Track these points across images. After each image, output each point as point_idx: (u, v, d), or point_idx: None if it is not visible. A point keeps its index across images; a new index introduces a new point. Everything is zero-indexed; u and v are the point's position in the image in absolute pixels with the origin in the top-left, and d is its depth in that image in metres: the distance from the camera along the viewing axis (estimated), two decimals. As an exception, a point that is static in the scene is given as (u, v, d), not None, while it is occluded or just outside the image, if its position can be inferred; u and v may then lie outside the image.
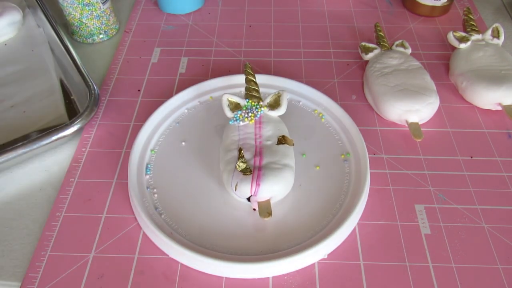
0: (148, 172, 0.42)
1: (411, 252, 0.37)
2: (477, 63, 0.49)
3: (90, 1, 0.53)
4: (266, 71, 0.53)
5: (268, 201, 0.38)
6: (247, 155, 0.39)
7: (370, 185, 0.41)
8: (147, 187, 0.41)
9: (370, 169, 0.42)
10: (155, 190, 0.41)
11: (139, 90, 0.51)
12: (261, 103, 0.43)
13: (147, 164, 0.43)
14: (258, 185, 0.37)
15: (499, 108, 0.47)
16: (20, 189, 0.42)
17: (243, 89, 0.50)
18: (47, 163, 0.44)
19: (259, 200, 0.38)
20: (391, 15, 0.62)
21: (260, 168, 0.38)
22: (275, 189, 0.38)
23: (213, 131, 0.46)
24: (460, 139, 0.46)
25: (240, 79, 0.50)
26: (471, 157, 0.44)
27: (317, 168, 0.43)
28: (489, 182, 0.42)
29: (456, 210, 0.40)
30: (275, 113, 0.43)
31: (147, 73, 0.53)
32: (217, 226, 0.38)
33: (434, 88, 0.47)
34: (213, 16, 0.62)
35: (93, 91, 0.45)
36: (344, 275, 0.36)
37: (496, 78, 0.47)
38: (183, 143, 0.45)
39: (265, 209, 0.37)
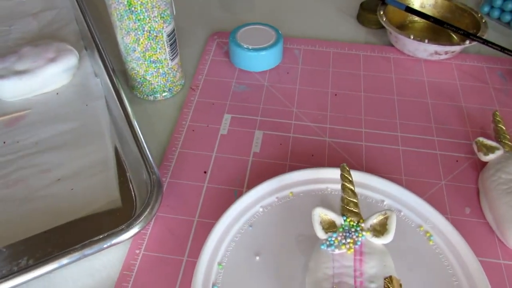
0: None
1: None
2: None
3: (158, 58, 0.46)
4: (356, 160, 0.44)
5: None
6: None
7: None
8: None
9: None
10: None
11: (205, 172, 0.43)
12: (363, 224, 0.34)
13: (213, 285, 0.35)
14: None
15: None
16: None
17: (330, 186, 0.41)
18: (94, 264, 0.37)
19: None
20: (506, 94, 0.51)
21: None
22: None
23: (294, 243, 0.38)
24: None
25: (328, 173, 0.41)
26: None
27: None
28: None
29: None
30: (380, 241, 0.34)
31: (215, 149, 0.45)
32: None
33: None
34: (292, 77, 0.53)
35: (154, 182, 0.38)
36: None
37: None
38: (257, 258, 0.37)
39: None
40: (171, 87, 0.50)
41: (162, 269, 0.36)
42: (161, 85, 0.49)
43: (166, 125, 0.48)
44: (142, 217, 0.35)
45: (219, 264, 0.36)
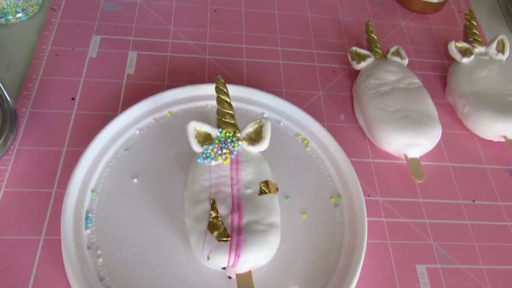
0: (89, 225, 0.32)
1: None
2: (481, 84, 0.43)
3: (-1, -32, 0.39)
4: (237, 75, 0.43)
5: (249, 274, 0.30)
6: (222, 209, 0.31)
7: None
8: (88, 247, 0.31)
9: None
10: (99, 252, 0.31)
11: (73, 99, 0.39)
12: (238, 134, 0.34)
13: (87, 213, 0.33)
14: (238, 256, 0.29)
15: (502, 139, 0.42)
16: None
17: (210, 103, 0.40)
18: None
19: (238, 272, 0.30)
20: (380, 6, 0.53)
21: (239, 231, 0.30)
22: (259, 257, 0.30)
23: (175, 162, 0.36)
24: (461, 177, 0.40)
25: (208, 89, 0.40)
26: (473, 201, 0.39)
27: (304, 215, 0.35)
28: (493, 233, 0.37)
29: (460, 272, 0.35)
30: (256, 149, 0.34)
31: (83, 73, 0.41)
32: None
33: (436, 115, 0.40)
34: (168, -7, 0.49)
35: (6, 111, 0.33)
36: None
37: (503, 106, 0.41)
38: (135, 180, 0.35)
39: (245, 286, 0.30)
40: (25, 7, 0.43)
41: (28, 205, 0.33)
42: (12, 4, 0.42)
43: (23, 51, 0.42)
44: (-7, 149, 0.31)
45: (93, 191, 0.34)
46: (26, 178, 0.34)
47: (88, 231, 0.32)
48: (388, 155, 0.40)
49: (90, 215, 0.33)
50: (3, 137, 0.32)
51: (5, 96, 0.34)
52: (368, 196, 0.37)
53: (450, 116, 0.44)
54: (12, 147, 0.35)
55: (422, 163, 0.39)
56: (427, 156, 0.40)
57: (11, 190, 0.33)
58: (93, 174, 0.34)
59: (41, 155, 0.35)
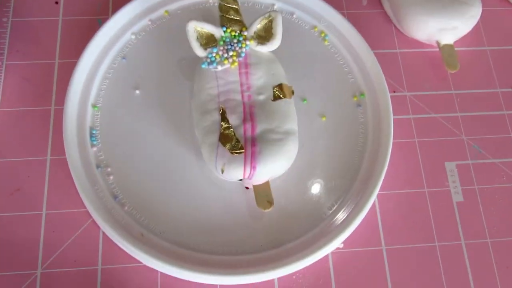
0: (95, 142, 0.30)
1: (441, 229, 0.30)
2: None
3: None
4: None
5: (267, 185, 0.28)
6: (233, 119, 0.28)
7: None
8: (97, 166, 0.30)
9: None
10: (109, 169, 0.30)
11: (57, 3, 0.34)
12: (245, 32, 0.30)
13: (91, 130, 0.31)
14: (253, 168, 0.27)
15: (552, 14, 0.36)
16: None
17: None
18: None
19: (255, 184, 0.28)
20: None
21: (254, 142, 0.27)
22: (276, 168, 0.28)
23: (177, 69, 0.33)
24: (499, 62, 0.35)
25: None
26: (512, 89, 0.35)
27: (323, 119, 0.32)
28: (533, 123, 0.34)
29: (492, 166, 0.32)
30: (266, 49, 0.30)
31: (64, -29, 0.36)
32: (200, 216, 0.29)
33: (477, -10, 0.34)
34: None
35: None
36: (364, 265, 0.29)
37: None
38: (137, 91, 0.32)
39: (264, 196, 0.28)
40: None
41: (28, 124, 0.31)
42: None
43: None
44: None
45: (94, 106, 0.31)
46: (21, 97, 0.32)
47: (95, 148, 0.30)
48: (417, 43, 0.35)
49: (94, 132, 0.31)
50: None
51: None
52: (394, 91, 0.34)
53: (493, -10, 0.38)
54: (0, 63, 0.32)
55: (456, 49, 0.34)
56: (462, 40, 0.35)
57: (6, 110, 0.31)
58: (91, 87, 0.31)
59: (32, 70, 0.32)
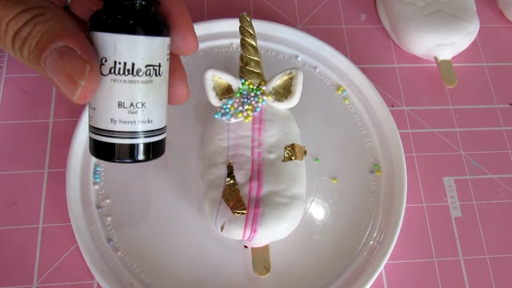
0: (97, 180, 0.30)
1: (439, 244, 0.30)
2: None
3: None
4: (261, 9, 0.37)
5: (266, 249, 0.27)
6: (239, 176, 0.27)
7: (390, 154, 0.32)
8: (97, 207, 0.29)
9: (389, 131, 0.32)
10: (107, 211, 0.29)
11: (57, 16, 0.35)
12: (263, 87, 0.29)
13: (95, 167, 0.30)
14: (254, 230, 0.26)
15: (549, 31, 0.36)
16: None
17: (236, 41, 0.33)
18: None
19: (254, 246, 0.27)
20: None
21: (258, 203, 0.26)
22: (278, 232, 0.27)
23: (191, 112, 0.32)
24: (497, 78, 0.36)
25: (231, 25, 0.33)
26: (510, 105, 0.35)
27: (334, 181, 0.31)
28: (531, 139, 0.34)
29: (490, 182, 0.32)
30: (283, 106, 0.29)
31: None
32: (194, 270, 0.28)
33: (474, 6, 0.35)
34: None
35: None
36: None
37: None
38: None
39: (261, 261, 0.27)
40: None
41: (26, 137, 0.31)
42: None
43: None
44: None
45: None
46: (20, 109, 0.32)
47: (97, 186, 0.29)
48: (415, 59, 0.36)
49: (98, 169, 0.30)
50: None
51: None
52: (392, 106, 0.34)
53: (489, 6, 0.38)
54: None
55: (454, 65, 0.34)
56: (460, 56, 0.35)
57: (6, 123, 0.31)
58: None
59: (31, 82, 0.32)
